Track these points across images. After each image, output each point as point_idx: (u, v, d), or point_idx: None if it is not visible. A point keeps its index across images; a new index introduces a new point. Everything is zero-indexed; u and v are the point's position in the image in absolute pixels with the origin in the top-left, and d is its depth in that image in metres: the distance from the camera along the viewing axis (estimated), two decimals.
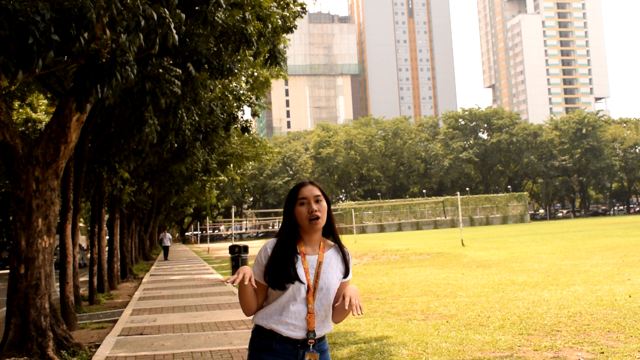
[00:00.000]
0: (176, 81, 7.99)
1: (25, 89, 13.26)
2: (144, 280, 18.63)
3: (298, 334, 2.58)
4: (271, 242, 2.70)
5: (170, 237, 34.78)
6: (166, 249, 31.46)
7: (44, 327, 6.82)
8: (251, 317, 2.72)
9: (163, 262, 28.51)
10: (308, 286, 2.59)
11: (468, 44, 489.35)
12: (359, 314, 2.57)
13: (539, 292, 10.26)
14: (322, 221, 2.65)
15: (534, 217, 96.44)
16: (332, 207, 2.76)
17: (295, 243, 2.66)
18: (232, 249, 16.85)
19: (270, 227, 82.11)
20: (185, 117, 10.18)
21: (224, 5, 7.81)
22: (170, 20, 5.50)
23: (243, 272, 2.50)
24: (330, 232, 2.75)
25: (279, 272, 2.58)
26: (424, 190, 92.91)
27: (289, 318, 2.58)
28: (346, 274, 2.73)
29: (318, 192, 2.66)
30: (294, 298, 2.58)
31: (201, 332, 8.22)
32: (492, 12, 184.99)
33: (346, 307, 2.52)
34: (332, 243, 2.76)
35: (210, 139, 14.27)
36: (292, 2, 10.57)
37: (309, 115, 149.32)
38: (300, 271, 2.60)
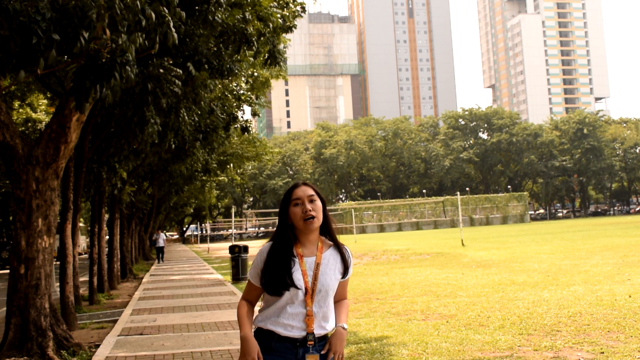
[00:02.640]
0: (177, 81, 7.99)
1: (25, 89, 13.24)
2: (143, 280, 18.63)
3: (296, 333, 2.58)
4: (266, 246, 2.68)
5: (165, 237, 32.89)
6: (160, 250, 29.13)
7: (44, 327, 6.82)
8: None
9: (160, 264, 27.68)
10: (306, 289, 2.58)
11: (468, 44, 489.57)
12: None
13: (539, 292, 10.25)
14: (318, 221, 2.63)
15: (534, 217, 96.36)
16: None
17: (291, 246, 2.64)
18: (232, 249, 16.91)
19: (271, 227, 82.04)
20: (186, 117, 10.18)
21: (224, 5, 7.81)
22: (170, 19, 5.50)
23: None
24: (327, 232, 2.74)
25: (275, 278, 2.57)
26: (424, 190, 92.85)
27: (286, 320, 2.58)
28: (344, 273, 2.72)
29: (312, 192, 2.65)
30: (291, 301, 2.58)
31: (201, 332, 8.22)
32: (492, 12, 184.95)
33: None
34: (331, 243, 2.73)
35: (210, 139, 14.26)
36: (291, 1, 10.56)
37: (309, 115, 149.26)
38: (297, 275, 2.58)
